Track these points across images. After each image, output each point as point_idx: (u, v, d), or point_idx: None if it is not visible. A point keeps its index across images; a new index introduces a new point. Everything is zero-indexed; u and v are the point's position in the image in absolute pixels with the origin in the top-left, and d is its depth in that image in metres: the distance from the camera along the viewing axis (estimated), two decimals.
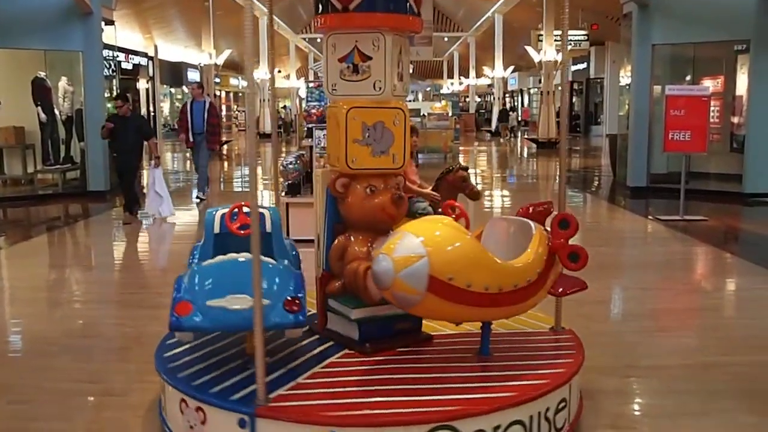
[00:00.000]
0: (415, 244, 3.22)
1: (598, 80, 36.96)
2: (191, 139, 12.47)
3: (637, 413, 4.06)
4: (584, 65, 38.24)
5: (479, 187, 4.38)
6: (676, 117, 10.18)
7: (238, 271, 3.39)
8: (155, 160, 10.39)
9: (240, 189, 16.06)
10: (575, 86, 40.90)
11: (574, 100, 41.18)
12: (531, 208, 4.05)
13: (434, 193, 4.31)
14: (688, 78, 14.34)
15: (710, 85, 12.91)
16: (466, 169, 4.48)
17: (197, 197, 12.77)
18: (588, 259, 3.69)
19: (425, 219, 3.72)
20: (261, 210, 3.78)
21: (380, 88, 3.72)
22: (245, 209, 3.81)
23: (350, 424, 3.05)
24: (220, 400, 3.21)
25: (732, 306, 6.63)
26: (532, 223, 3.86)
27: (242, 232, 3.71)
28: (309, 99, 8.82)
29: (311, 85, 8.88)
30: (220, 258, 3.61)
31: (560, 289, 3.81)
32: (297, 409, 3.11)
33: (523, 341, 4.02)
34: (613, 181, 15.46)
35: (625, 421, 3.87)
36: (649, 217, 10.69)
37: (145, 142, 10.48)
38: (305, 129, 8.79)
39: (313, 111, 8.64)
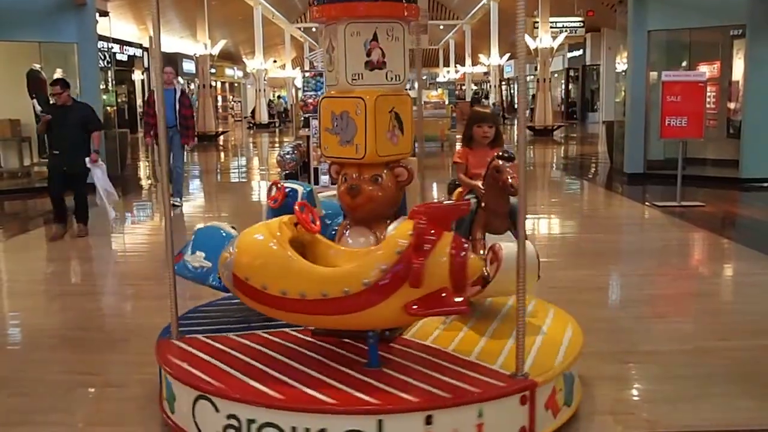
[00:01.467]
0: (236, 241, 3.48)
1: (595, 67, 36.91)
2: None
3: (635, 398, 4.07)
4: (580, 52, 38.19)
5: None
6: (673, 103, 10.17)
7: (213, 235, 4.02)
8: (93, 154, 8.54)
9: (237, 179, 16.07)
10: (571, 73, 40.86)
11: (570, 87, 41.21)
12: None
13: (480, 186, 4.11)
14: (684, 64, 14.33)
15: (707, 70, 12.89)
16: (508, 158, 3.85)
17: (172, 203, 11.33)
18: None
19: (274, 220, 3.61)
20: (294, 186, 4.10)
21: (336, 79, 3.80)
22: (288, 185, 4.12)
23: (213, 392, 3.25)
24: None
25: (729, 291, 6.64)
26: (396, 222, 3.60)
27: (274, 204, 4.01)
28: (305, 89, 8.83)
29: (307, 74, 8.88)
30: (214, 223, 4.20)
31: (414, 307, 3.15)
32: (176, 366, 3.49)
33: (448, 370, 3.44)
34: (610, 168, 15.46)
35: (624, 407, 3.88)
36: (646, 203, 10.70)
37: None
38: (302, 119, 8.79)
39: (310, 101, 8.65)
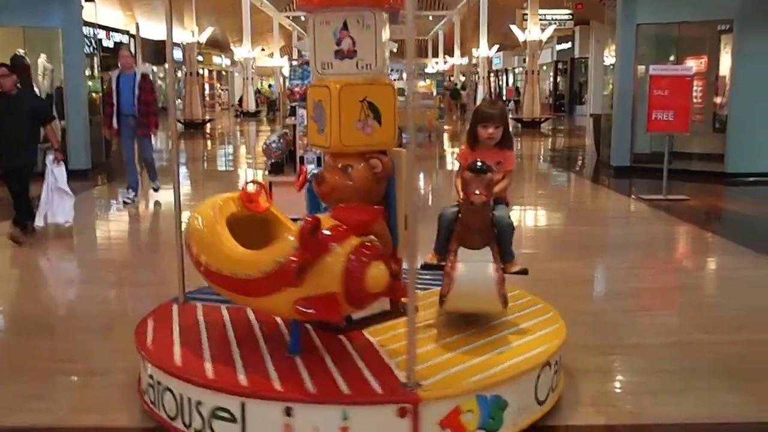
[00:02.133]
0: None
1: (583, 60, 36.96)
2: (115, 126, 9.73)
3: (618, 391, 4.09)
4: (569, 45, 38.23)
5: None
6: (660, 97, 10.20)
7: None
8: (55, 153, 7.94)
9: (224, 168, 16.00)
10: (560, 66, 40.91)
11: (558, 79, 41.26)
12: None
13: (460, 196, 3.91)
14: (671, 58, 14.34)
15: (694, 65, 12.90)
16: (478, 169, 3.58)
17: (153, 187, 10.39)
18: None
19: (225, 195, 3.85)
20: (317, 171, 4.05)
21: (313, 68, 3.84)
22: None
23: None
24: None
25: (714, 285, 6.68)
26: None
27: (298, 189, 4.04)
28: (292, 77, 8.76)
29: (294, 63, 8.80)
30: None
31: (299, 304, 3.17)
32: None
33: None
34: (596, 161, 15.50)
35: (607, 399, 3.90)
36: (632, 196, 10.74)
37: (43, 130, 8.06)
38: (288, 107, 8.73)
39: (297, 89, 8.57)
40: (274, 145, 8.33)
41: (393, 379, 3.20)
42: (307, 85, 8.64)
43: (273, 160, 8.41)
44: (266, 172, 8.52)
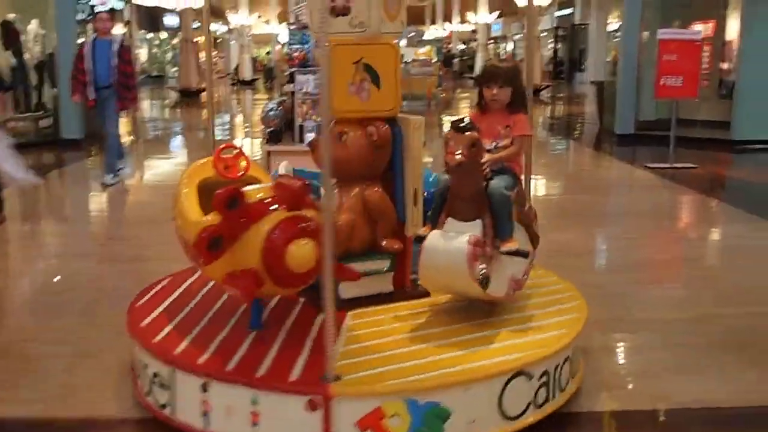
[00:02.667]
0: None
1: (583, 26, 36.48)
2: (92, 96, 8.71)
3: (633, 370, 3.90)
4: (569, 11, 37.73)
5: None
6: (669, 62, 9.93)
7: None
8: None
9: (221, 137, 15.73)
10: (560, 32, 40.40)
11: (558, 46, 40.77)
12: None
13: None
14: (677, 23, 14.04)
15: (701, 29, 12.61)
16: (460, 127, 3.23)
17: (105, 182, 8.91)
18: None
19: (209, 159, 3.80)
20: None
21: None
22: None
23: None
24: None
25: (722, 256, 6.50)
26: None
27: None
28: (291, 41, 8.48)
29: (293, 27, 8.52)
30: None
31: (224, 281, 3.12)
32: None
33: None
34: (599, 129, 15.25)
35: (620, 380, 3.72)
36: (638, 165, 10.52)
37: None
38: (287, 74, 8.47)
39: (295, 54, 8.31)
40: (272, 112, 8.08)
41: (319, 371, 2.89)
42: (306, 50, 8.42)
43: (271, 129, 8.17)
44: (264, 141, 8.29)
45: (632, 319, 4.50)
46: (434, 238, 3.33)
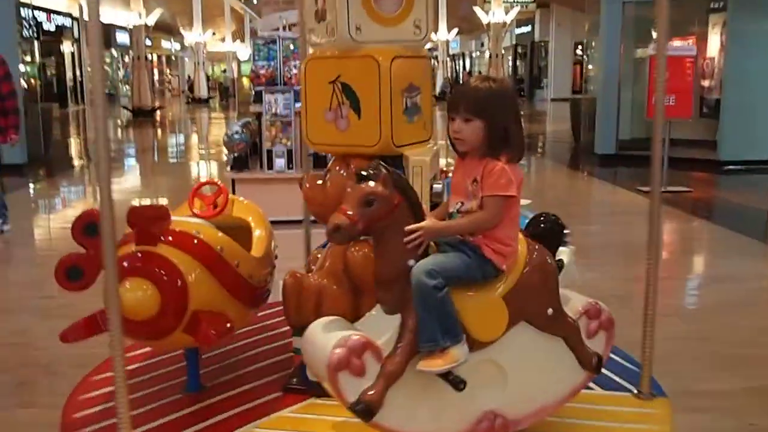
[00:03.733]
0: None
1: (543, 43, 36.30)
2: None
3: None
4: (528, 28, 37.54)
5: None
6: None
7: None
8: None
9: (175, 159, 14.74)
10: (519, 49, 40.19)
11: (518, 63, 40.52)
12: None
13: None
14: (655, 38, 13.55)
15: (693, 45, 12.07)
16: (362, 176, 2.35)
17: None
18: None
19: None
20: None
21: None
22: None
23: None
24: None
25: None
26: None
27: None
28: (256, 58, 7.65)
29: (260, 41, 7.68)
30: None
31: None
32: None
33: None
34: (575, 148, 14.65)
35: None
36: (627, 187, 9.85)
37: None
38: (252, 93, 7.63)
39: (262, 72, 7.48)
40: (237, 136, 7.23)
41: None
42: (273, 66, 7.59)
43: (236, 154, 7.31)
44: (228, 168, 7.42)
45: (693, 392, 3.65)
46: (315, 328, 2.49)
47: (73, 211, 8.52)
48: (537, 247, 2.57)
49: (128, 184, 11.29)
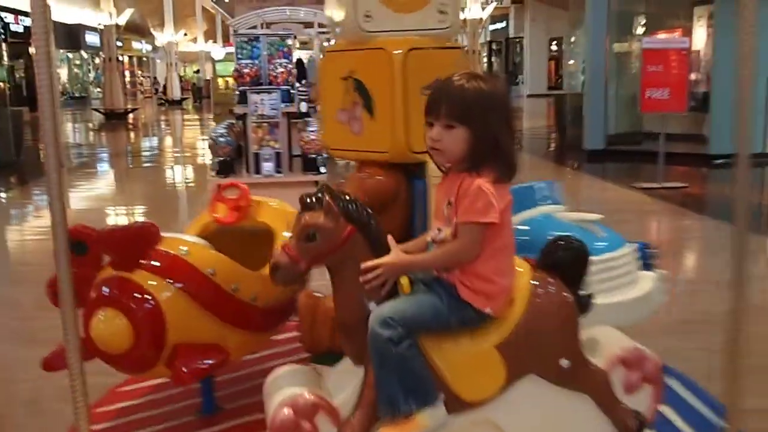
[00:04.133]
0: None
1: (518, 39, 36.21)
2: None
3: None
4: (503, 24, 37.43)
5: None
6: (654, 73, 9.07)
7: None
8: None
9: (151, 163, 14.29)
10: (494, 46, 40.08)
11: (493, 59, 40.40)
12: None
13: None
14: (639, 32, 13.37)
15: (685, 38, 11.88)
16: (306, 203, 2.01)
17: None
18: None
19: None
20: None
21: None
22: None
23: None
24: None
25: None
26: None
27: None
28: (239, 56, 7.30)
29: (241, 40, 7.32)
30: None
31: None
32: None
33: None
34: (560, 144, 14.42)
35: None
36: (622, 184, 9.60)
37: None
38: (236, 93, 7.28)
39: (246, 71, 7.12)
40: (222, 139, 6.88)
41: None
42: (258, 65, 7.24)
43: (221, 158, 6.94)
44: (212, 172, 7.06)
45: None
46: (274, 377, 2.21)
47: (48, 221, 8.10)
48: (548, 281, 2.12)
49: (102, 190, 10.86)
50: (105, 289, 2.46)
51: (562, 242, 2.21)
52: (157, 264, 2.51)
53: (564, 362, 2.06)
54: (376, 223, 2.04)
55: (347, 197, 2.02)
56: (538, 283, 2.11)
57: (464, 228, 1.95)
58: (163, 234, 2.65)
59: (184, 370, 2.42)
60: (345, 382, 2.08)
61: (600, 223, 2.88)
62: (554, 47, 34.28)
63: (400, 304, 1.97)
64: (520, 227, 2.80)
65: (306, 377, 2.16)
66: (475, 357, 2.01)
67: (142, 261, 2.50)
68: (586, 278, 2.20)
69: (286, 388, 2.06)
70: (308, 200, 1.97)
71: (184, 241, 2.69)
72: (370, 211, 2.04)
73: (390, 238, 2.05)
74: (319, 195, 1.96)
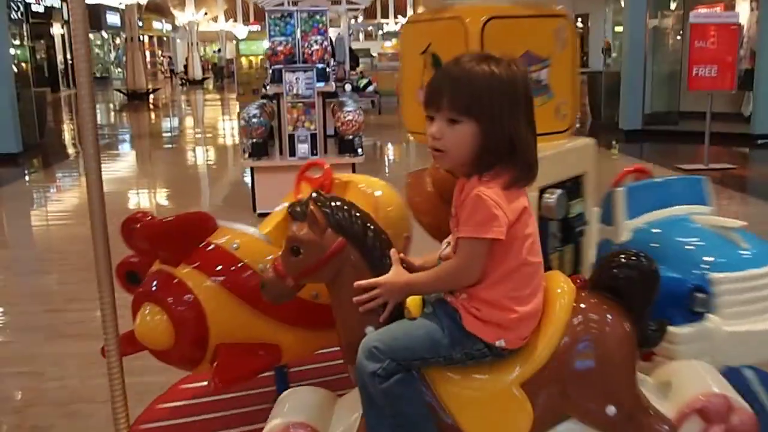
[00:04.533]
0: None
1: None
2: None
3: None
4: None
5: None
6: (702, 49, 8.66)
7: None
8: None
9: (176, 145, 14.04)
10: None
11: None
12: None
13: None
14: (673, 6, 12.89)
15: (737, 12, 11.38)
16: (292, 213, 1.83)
17: None
18: None
19: None
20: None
21: None
22: None
23: None
24: None
25: None
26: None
27: None
28: (272, 33, 6.99)
29: (275, 16, 7.00)
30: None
31: None
32: None
33: None
34: (593, 124, 13.98)
35: None
36: (665, 165, 9.21)
37: None
38: (269, 72, 6.97)
39: (280, 48, 6.82)
40: (255, 120, 6.58)
41: None
42: (292, 42, 6.94)
43: (254, 139, 6.65)
44: (245, 155, 6.78)
45: None
46: (284, 396, 2.02)
47: (73, 205, 7.86)
48: (598, 306, 1.74)
49: (126, 173, 10.62)
50: (151, 284, 2.33)
51: (622, 257, 1.81)
52: (204, 259, 2.31)
53: (611, 409, 1.69)
54: (376, 234, 1.75)
55: (338, 205, 1.74)
56: (583, 307, 1.74)
57: (462, 244, 1.65)
58: (219, 223, 2.44)
59: (217, 381, 2.20)
60: (352, 411, 1.81)
61: (744, 231, 2.47)
62: (580, 24, 33.57)
63: (391, 332, 1.68)
64: (652, 230, 2.45)
65: (315, 401, 1.93)
66: (493, 397, 1.69)
67: (190, 255, 2.31)
68: (653, 303, 1.79)
69: (283, 416, 1.86)
70: (295, 210, 1.74)
71: (238, 233, 2.44)
72: (368, 220, 1.76)
73: (393, 252, 1.75)
74: (305, 204, 1.72)
